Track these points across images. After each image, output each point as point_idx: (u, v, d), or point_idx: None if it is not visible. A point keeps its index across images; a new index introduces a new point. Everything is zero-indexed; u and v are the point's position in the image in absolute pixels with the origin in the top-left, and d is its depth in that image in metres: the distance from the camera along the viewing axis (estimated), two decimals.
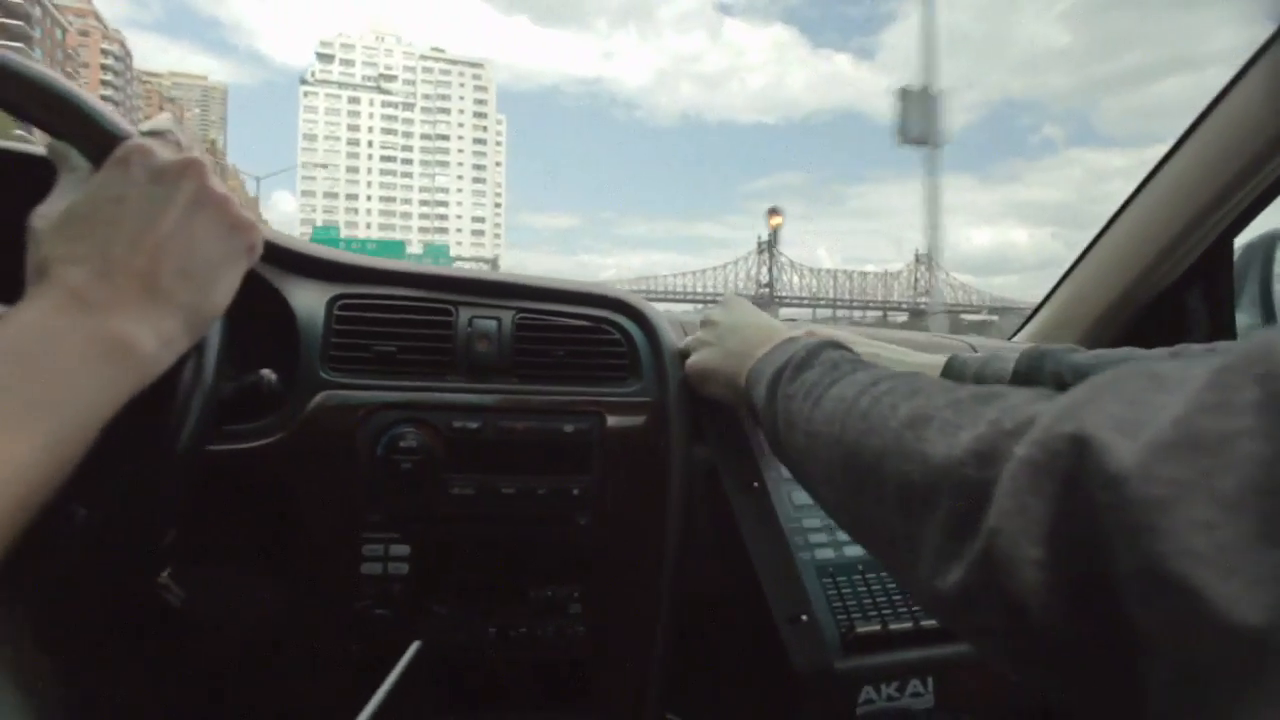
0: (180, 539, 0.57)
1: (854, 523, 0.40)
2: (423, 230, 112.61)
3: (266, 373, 0.60)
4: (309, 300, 0.70)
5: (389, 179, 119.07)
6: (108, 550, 0.45)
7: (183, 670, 0.69)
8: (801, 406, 0.46)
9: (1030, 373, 0.55)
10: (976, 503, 0.28)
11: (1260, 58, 0.75)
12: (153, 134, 0.44)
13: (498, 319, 0.74)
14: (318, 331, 0.69)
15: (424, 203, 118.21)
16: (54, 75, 0.44)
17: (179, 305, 0.41)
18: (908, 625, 0.62)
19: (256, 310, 0.67)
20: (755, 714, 0.71)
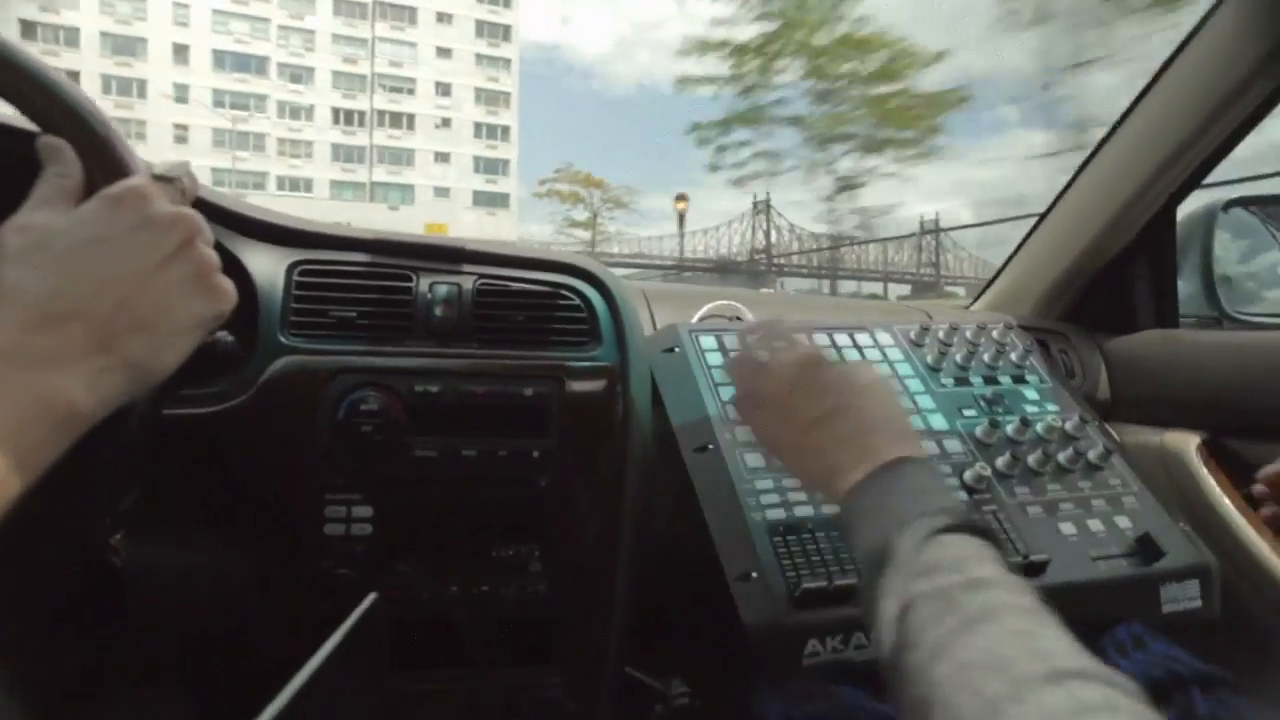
0: (138, 504, 0.58)
1: None
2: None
3: (223, 334, 0.61)
4: (267, 266, 0.70)
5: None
6: (58, 530, 0.45)
7: (144, 635, 0.71)
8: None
9: None
10: None
11: (1199, 32, 0.77)
12: (162, 178, 0.43)
13: (458, 284, 0.74)
14: (277, 297, 0.69)
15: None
16: (74, 86, 0.42)
17: (125, 361, 0.38)
18: (853, 581, 0.63)
19: None
20: (709, 667, 0.73)
